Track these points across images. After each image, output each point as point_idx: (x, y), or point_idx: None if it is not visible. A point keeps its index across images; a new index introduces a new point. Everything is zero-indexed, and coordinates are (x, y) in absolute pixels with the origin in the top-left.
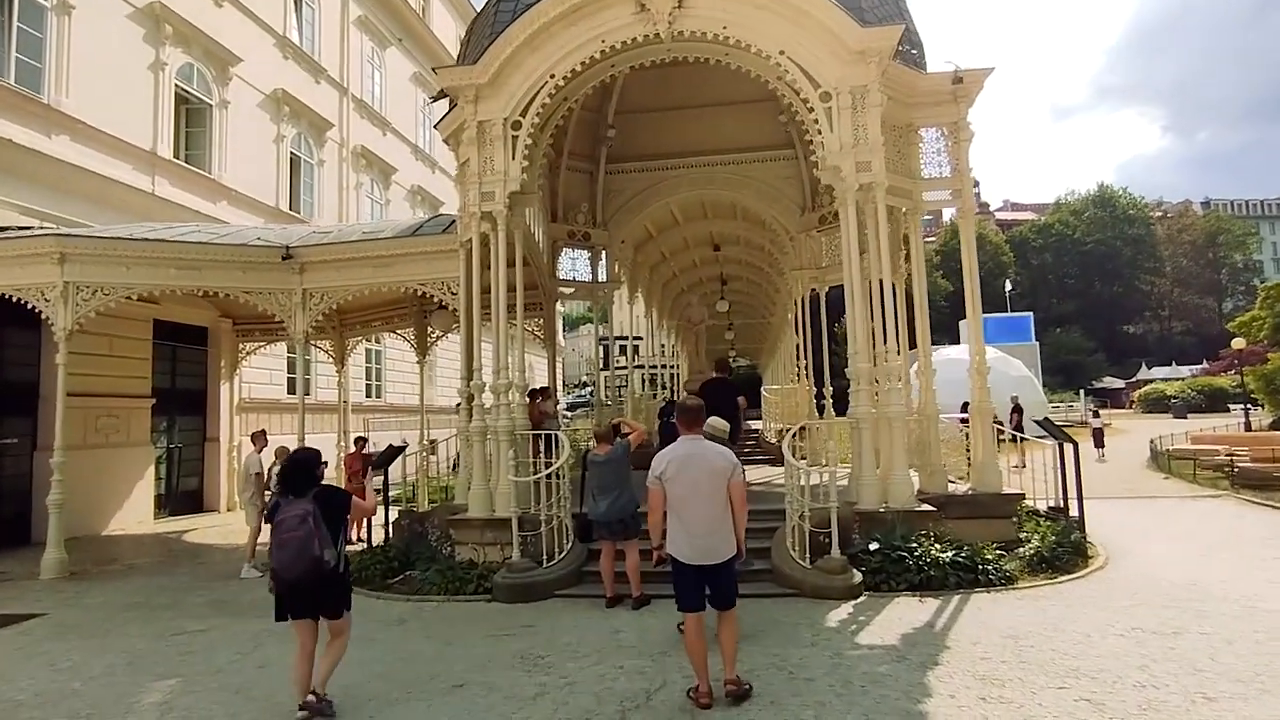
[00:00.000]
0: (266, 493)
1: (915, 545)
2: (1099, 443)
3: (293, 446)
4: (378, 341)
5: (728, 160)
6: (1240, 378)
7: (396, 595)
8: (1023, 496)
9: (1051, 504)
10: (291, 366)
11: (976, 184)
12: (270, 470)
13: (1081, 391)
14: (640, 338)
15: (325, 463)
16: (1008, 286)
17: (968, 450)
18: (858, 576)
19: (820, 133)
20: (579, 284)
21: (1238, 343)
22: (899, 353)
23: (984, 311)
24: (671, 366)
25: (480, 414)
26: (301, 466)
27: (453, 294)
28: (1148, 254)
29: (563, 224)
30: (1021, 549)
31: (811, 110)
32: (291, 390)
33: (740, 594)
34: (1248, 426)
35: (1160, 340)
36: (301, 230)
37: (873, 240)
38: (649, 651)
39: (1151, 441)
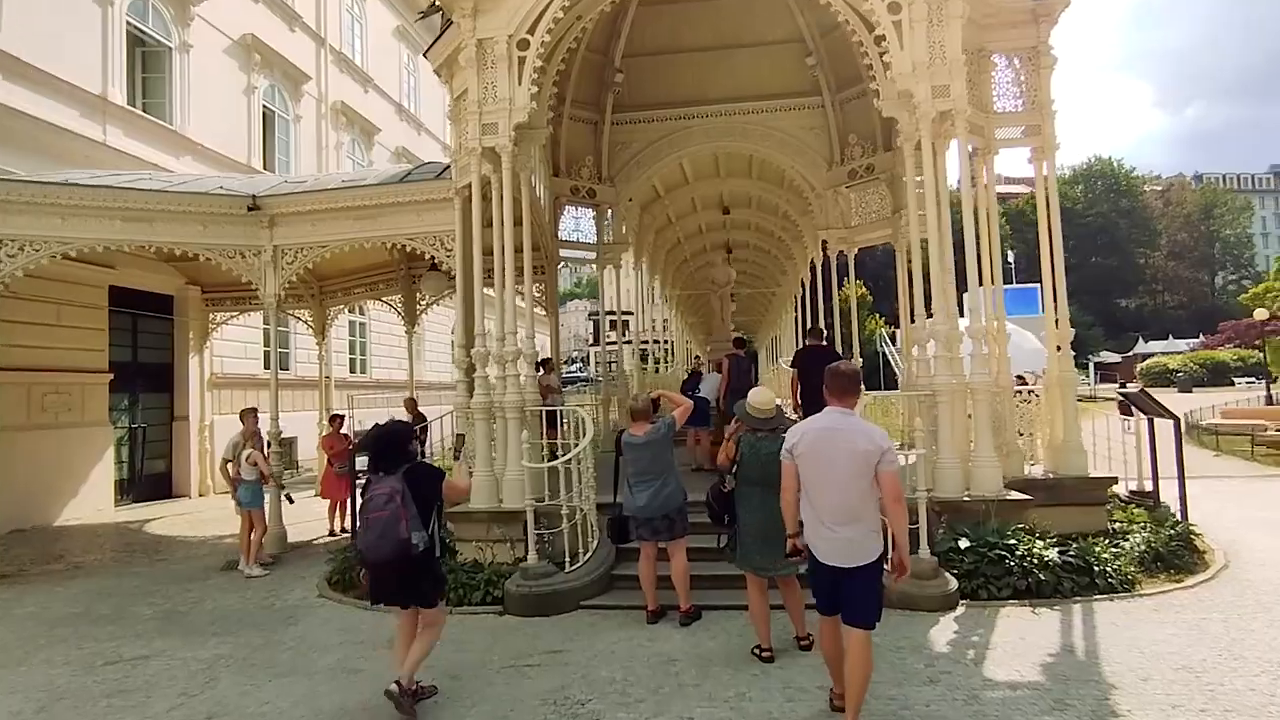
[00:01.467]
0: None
1: (1014, 542)
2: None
3: (265, 425)
4: (361, 312)
5: (747, 109)
6: (1244, 350)
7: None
8: (1114, 480)
9: (1133, 488)
10: (269, 339)
11: None
12: (236, 452)
13: (1090, 365)
14: (630, 312)
15: (419, 437)
16: (1010, 258)
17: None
18: (953, 583)
19: (885, 53)
20: (583, 245)
21: (1260, 313)
22: (985, 315)
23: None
24: (665, 342)
25: (484, 388)
26: (390, 441)
27: (447, 250)
28: (1142, 227)
29: (565, 179)
30: (1124, 543)
31: (873, 28)
32: (269, 364)
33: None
34: (1270, 400)
35: (1154, 314)
36: (270, 179)
37: (963, 184)
38: (719, 692)
39: (1183, 416)
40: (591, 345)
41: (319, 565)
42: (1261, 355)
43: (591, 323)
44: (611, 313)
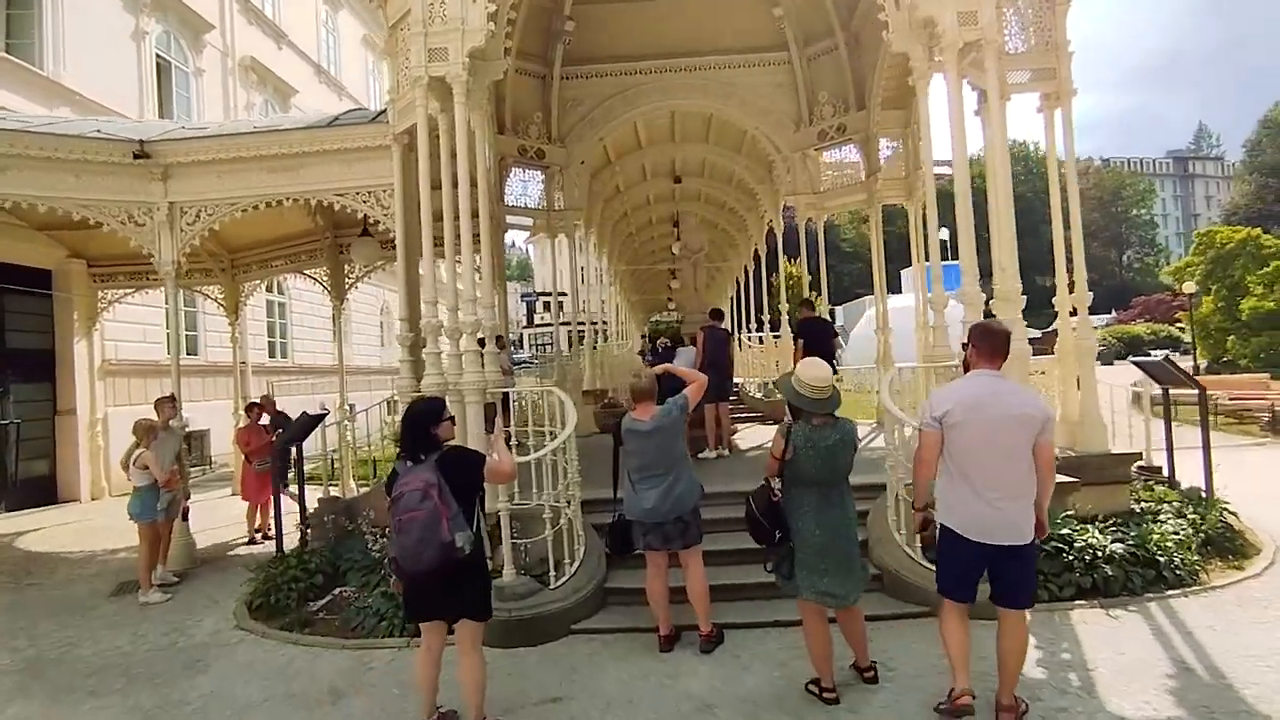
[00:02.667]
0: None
1: (1068, 532)
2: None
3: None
4: (281, 290)
5: (708, 64)
6: (1156, 324)
7: (323, 637)
8: (1139, 457)
9: (1140, 464)
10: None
11: None
12: (131, 452)
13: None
14: (565, 293)
15: (451, 416)
16: (944, 234)
17: None
18: None
19: None
20: (531, 211)
21: (1189, 287)
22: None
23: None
24: (602, 323)
25: (435, 366)
26: (416, 423)
27: (384, 208)
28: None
29: (512, 137)
30: (1163, 527)
31: None
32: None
33: None
34: (1196, 370)
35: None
36: (164, 124)
37: (996, 123)
38: None
39: (1131, 386)
40: (525, 327)
41: (237, 583)
42: (1171, 329)
43: (525, 304)
44: (546, 294)
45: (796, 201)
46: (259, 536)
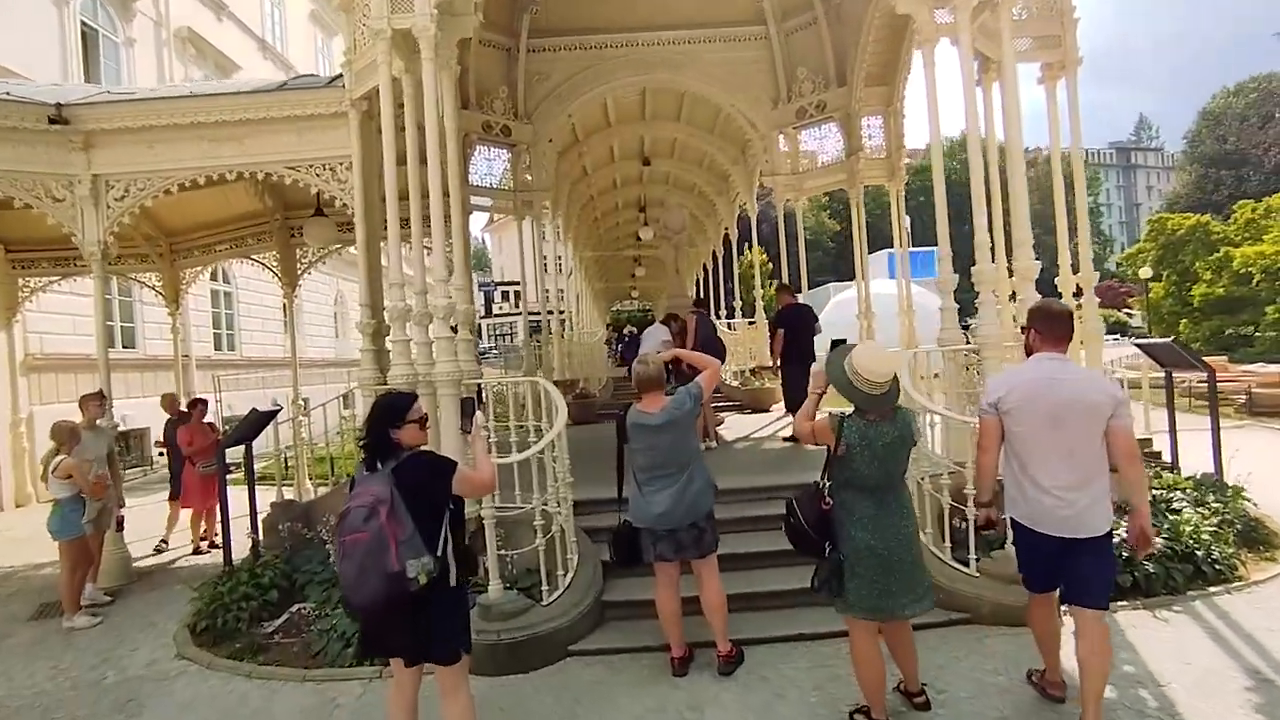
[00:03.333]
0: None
1: None
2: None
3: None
4: (227, 280)
5: (682, 38)
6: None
7: (280, 667)
8: (1149, 442)
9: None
10: (105, 309)
11: None
12: (50, 459)
13: (970, 325)
14: (517, 283)
15: (422, 417)
16: (907, 223)
17: None
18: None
19: None
20: (497, 191)
21: (1144, 272)
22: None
23: (881, 248)
24: (561, 312)
25: (404, 355)
26: (372, 423)
27: (340, 182)
28: (1006, 196)
29: (476, 112)
30: (1189, 517)
31: None
32: (110, 341)
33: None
34: None
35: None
36: (86, 88)
37: (1010, 88)
38: None
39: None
40: (483, 317)
41: (179, 602)
42: (1119, 314)
43: (483, 293)
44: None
45: (774, 182)
46: (205, 546)
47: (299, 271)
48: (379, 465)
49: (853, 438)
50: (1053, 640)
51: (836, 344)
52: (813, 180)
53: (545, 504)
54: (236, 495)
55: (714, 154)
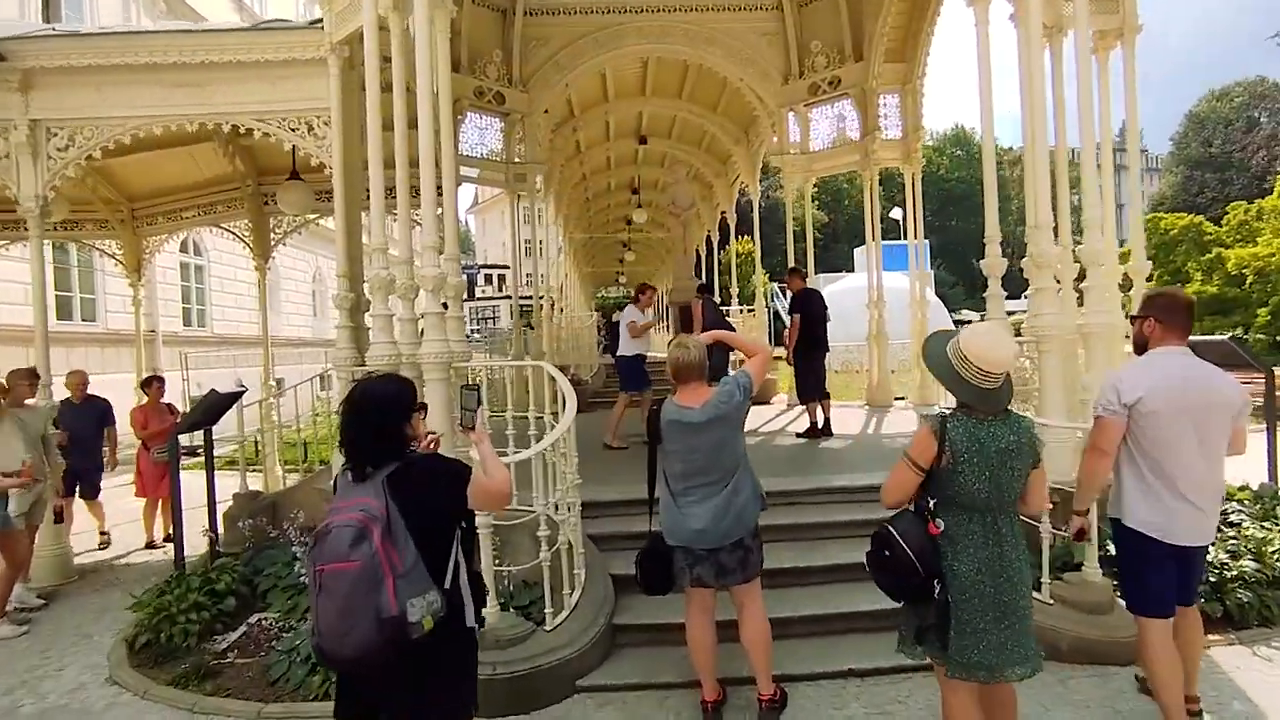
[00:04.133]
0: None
1: None
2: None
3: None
4: (198, 252)
5: (690, 5)
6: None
7: (229, 699)
8: None
9: None
10: (63, 279)
11: None
12: None
13: (953, 322)
14: (507, 266)
15: (423, 405)
16: (895, 214)
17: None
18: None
19: None
20: (489, 163)
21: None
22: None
23: (863, 243)
24: (544, 297)
25: (386, 332)
26: (366, 415)
27: (318, 138)
28: (998, 193)
29: (467, 76)
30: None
31: None
32: (67, 314)
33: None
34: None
35: (1007, 274)
36: (26, 23)
37: (1083, 53)
38: None
39: None
40: (466, 300)
41: (121, 608)
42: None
43: (465, 276)
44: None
45: (781, 162)
46: (161, 540)
47: (273, 242)
48: (369, 470)
49: (960, 441)
50: (1177, 673)
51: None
52: (824, 161)
53: (551, 510)
54: (196, 483)
55: (715, 133)
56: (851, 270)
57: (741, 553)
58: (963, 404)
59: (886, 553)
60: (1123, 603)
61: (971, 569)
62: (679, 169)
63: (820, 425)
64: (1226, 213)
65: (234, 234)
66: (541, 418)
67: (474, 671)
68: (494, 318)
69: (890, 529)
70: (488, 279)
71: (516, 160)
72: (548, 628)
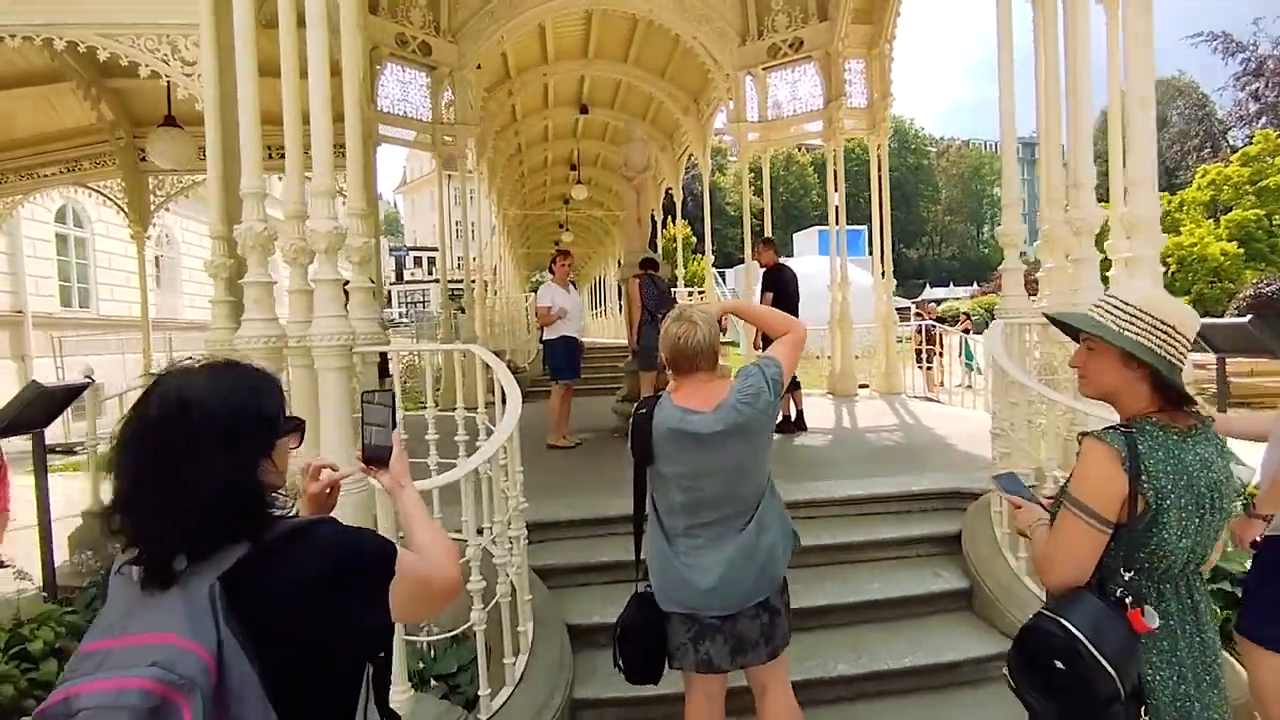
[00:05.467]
0: None
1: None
2: None
3: None
4: (78, 222)
5: None
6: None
7: None
8: None
9: None
10: None
11: None
12: None
13: (911, 307)
14: (435, 249)
15: (296, 423)
16: (835, 200)
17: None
18: None
19: None
20: (413, 122)
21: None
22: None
23: (806, 227)
24: (472, 281)
25: (263, 305)
26: (167, 447)
27: (184, 63)
28: (927, 183)
29: (388, 20)
30: None
31: None
32: None
33: None
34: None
35: (934, 264)
36: None
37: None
38: None
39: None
40: (394, 283)
41: None
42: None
43: (394, 258)
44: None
45: (737, 131)
46: (5, 560)
47: (153, 207)
48: (184, 569)
49: (1162, 473)
50: None
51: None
52: (783, 130)
53: (489, 546)
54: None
55: (664, 101)
56: (791, 255)
57: (766, 617)
58: (1144, 414)
59: (1061, 665)
60: None
61: (1171, 677)
62: (634, 125)
63: (794, 418)
64: None
65: (104, 195)
66: (473, 417)
67: None
68: (424, 302)
69: (1069, 627)
70: (417, 261)
71: (445, 120)
72: (483, 715)
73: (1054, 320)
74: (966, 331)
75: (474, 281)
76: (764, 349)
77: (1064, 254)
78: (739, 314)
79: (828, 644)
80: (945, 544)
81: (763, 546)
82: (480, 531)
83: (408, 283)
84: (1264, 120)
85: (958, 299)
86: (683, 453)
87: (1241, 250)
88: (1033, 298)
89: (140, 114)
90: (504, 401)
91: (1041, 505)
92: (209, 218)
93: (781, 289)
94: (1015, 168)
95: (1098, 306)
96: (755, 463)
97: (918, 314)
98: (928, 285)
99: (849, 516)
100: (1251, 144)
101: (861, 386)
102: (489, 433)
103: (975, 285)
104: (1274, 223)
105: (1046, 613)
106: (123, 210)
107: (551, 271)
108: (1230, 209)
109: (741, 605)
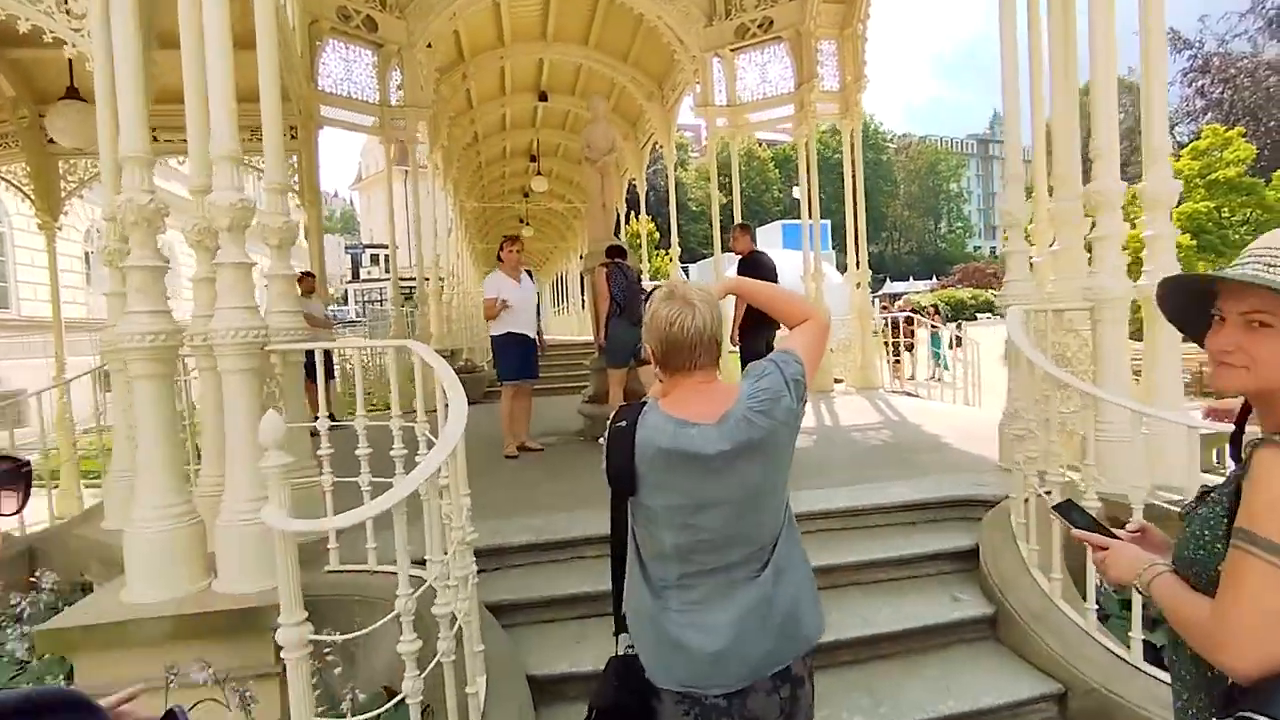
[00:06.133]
0: None
1: None
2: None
3: None
4: None
5: None
6: (976, 289)
7: None
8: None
9: None
10: None
11: None
12: None
13: (875, 301)
14: (385, 245)
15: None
16: (796, 193)
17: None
18: None
19: None
20: (358, 104)
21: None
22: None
23: (768, 223)
24: (429, 275)
25: (147, 294)
26: None
27: (71, 15)
28: (886, 178)
29: None
30: None
31: None
32: None
33: None
34: None
35: (893, 258)
36: None
37: None
38: None
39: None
40: (350, 282)
41: None
42: (989, 294)
43: (350, 256)
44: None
45: (705, 115)
46: None
47: (64, 194)
48: None
49: None
50: None
51: None
52: (754, 112)
53: (438, 584)
54: None
55: (626, 86)
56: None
57: (787, 690)
58: None
59: None
60: None
61: None
62: (598, 103)
63: None
64: None
65: (7, 181)
66: (409, 425)
67: None
68: (381, 300)
69: None
70: (374, 259)
71: (393, 103)
72: None
73: (1245, 284)
74: (935, 327)
75: (429, 277)
76: (743, 341)
77: (1075, 234)
78: (742, 293)
79: (839, 689)
80: (960, 560)
81: (782, 599)
82: (415, 572)
83: (364, 281)
84: (1210, 116)
85: (918, 293)
86: (676, 479)
87: (1195, 242)
88: (993, 291)
89: (45, 89)
90: (448, 412)
91: (1116, 537)
92: (102, 197)
93: (757, 278)
94: (1019, 137)
95: (1262, 259)
96: (773, 490)
97: (883, 308)
98: (888, 279)
99: (848, 530)
100: (1200, 139)
101: (836, 381)
102: (430, 445)
103: (934, 279)
104: (1224, 215)
105: (1253, 716)
106: (29, 199)
107: (500, 260)
108: (1181, 202)
109: (755, 677)
